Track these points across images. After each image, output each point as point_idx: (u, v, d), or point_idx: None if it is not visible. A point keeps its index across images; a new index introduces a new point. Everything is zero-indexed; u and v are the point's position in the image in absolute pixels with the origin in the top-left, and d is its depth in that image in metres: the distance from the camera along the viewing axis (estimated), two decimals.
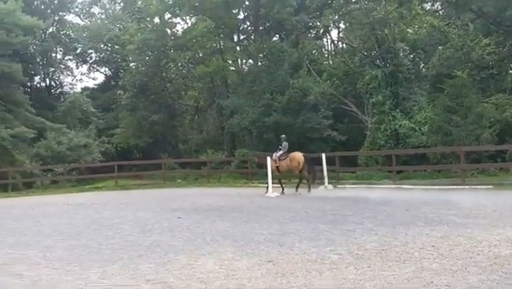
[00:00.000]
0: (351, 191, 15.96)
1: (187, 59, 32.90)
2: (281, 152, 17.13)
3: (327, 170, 18.03)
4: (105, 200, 17.07)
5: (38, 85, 37.66)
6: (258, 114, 25.87)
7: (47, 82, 38.52)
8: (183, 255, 6.99)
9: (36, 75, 36.90)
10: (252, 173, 23.41)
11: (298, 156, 16.71)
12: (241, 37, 31.90)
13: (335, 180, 19.28)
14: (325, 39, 33.71)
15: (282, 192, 16.12)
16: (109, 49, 38.32)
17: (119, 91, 34.72)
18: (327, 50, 33.64)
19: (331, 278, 5.34)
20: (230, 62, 31.89)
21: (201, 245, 7.68)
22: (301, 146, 25.01)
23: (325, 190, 16.85)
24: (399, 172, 19.94)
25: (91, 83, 42.65)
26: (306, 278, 5.39)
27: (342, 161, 21.68)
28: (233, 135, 30.34)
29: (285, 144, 17.20)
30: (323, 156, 18.03)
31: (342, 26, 30.89)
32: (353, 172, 21.91)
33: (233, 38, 31.22)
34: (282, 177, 17.31)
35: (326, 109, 26.29)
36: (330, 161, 19.18)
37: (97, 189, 23.80)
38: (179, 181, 25.46)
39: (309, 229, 8.50)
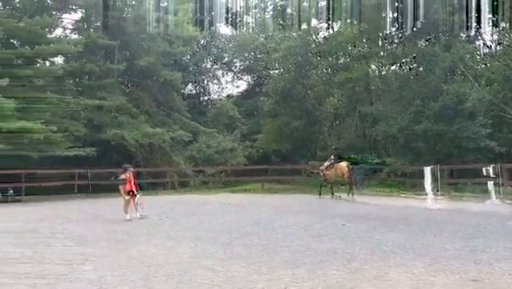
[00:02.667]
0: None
1: (329, 66, 32.49)
2: (327, 162, 19.20)
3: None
4: (257, 202, 17.45)
5: (190, 92, 40.17)
6: (408, 121, 24.47)
7: (198, 89, 41.11)
8: (368, 266, 6.65)
9: (189, 83, 39.39)
10: (399, 182, 22.29)
11: (343, 166, 18.68)
12: (386, 41, 30.53)
13: (499, 193, 17.43)
14: (477, 42, 30.68)
15: (332, 196, 18.76)
16: (253, 57, 39.48)
17: (262, 98, 35.42)
18: (480, 54, 30.55)
19: None
20: (374, 67, 30.75)
21: (384, 256, 7.27)
22: (451, 156, 22.94)
23: (491, 205, 15.62)
24: None
25: (234, 91, 43.32)
26: None
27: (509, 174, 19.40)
28: (376, 143, 29.13)
29: (333, 156, 19.14)
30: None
31: (503, 24, 27.76)
32: None
33: (379, 43, 30.05)
34: (331, 183, 19.57)
35: (484, 117, 23.87)
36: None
37: (245, 191, 24.68)
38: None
39: (500, 248, 7.58)
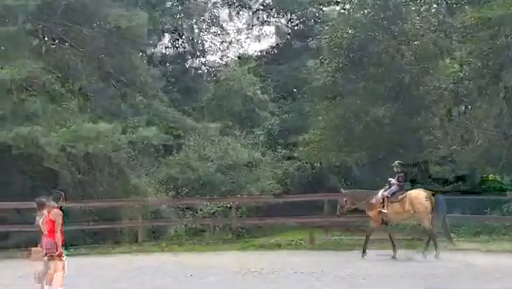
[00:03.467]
0: None
1: None
2: (385, 192, 21.09)
3: None
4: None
5: (167, 52, 43.29)
6: None
7: (182, 46, 43.66)
8: None
9: (164, 34, 41.77)
10: None
11: (420, 197, 20.77)
12: None
13: None
14: None
15: (363, 253, 21.09)
16: None
17: (308, 63, 37.75)
18: None
19: None
20: None
21: None
22: None
23: None
24: None
25: (253, 48, 45.89)
26: None
27: None
28: None
29: (400, 175, 21.41)
30: None
31: None
32: None
33: None
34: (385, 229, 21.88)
35: None
36: None
37: (278, 247, 25.41)
38: None
39: None
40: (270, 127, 37.14)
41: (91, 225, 26.58)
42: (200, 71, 43.19)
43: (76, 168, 28.57)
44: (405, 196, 20.69)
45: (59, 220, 13.97)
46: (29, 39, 28.94)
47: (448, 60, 32.95)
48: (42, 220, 14.11)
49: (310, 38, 35.67)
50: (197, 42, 42.71)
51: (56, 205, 14.14)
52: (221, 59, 43.57)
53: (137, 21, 29.96)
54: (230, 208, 29.22)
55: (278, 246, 25.15)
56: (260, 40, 44.59)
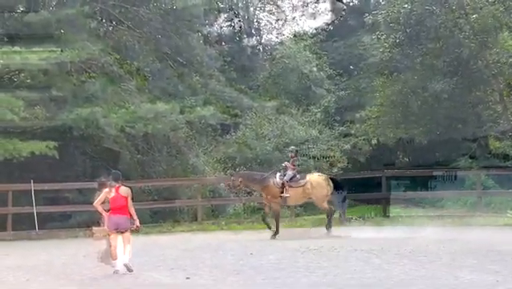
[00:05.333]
0: None
1: None
2: (289, 172, 21.54)
3: None
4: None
5: (223, 31, 43.21)
6: None
7: (237, 25, 43.44)
8: None
9: (220, 14, 41.01)
10: None
11: (320, 181, 21.87)
12: None
13: None
14: None
15: (275, 234, 21.33)
16: None
17: (365, 39, 37.34)
18: None
19: None
20: None
21: None
22: None
23: None
24: None
25: (309, 26, 44.90)
26: None
27: None
28: None
29: (294, 159, 22.06)
30: None
31: None
32: None
33: None
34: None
35: None
36: None
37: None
38: None
39: None
40: (326, 104, 36.64)
41: (151, 204, 26.73)
42: (256, 50, 42.97)
43: (135, 148, 28.99)
44: (307, 181, 21.62)
45: (131, 196, 14.61)
46: (87, 22, 28.85)
47: (507, 34, 32.26)
48: (111, 197, 14.37)
49: (366, 14, 35.00)
50: (253, 20, 42.67)
51: (117, 185, 14.49)
52: (276, 37, 43.39)
53: (193, 1, 30.15)
54: None
55: (337, 223, 24.47)
56: (315, 17, 44.32)
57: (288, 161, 22.10)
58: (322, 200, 21.79)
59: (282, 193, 21.37)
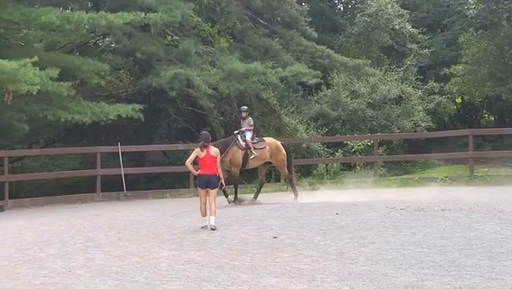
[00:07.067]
0: None
1: None
2: (249, 134, 20.65)
3: None
4: None
5: None
6: None
7: None
8: None
9: None
10: None
11: (280, 144, 21.33)
12: None
13: None
14: None
15: (234, 200, 20.42)
16: None
17: None
18: None
19: None
20: None
21: None
22: None
23: None
24: None
25: None
26: None
27: None
28: None
29: (250, 119, 21.15)
30: None
31: None
32: None
33: None
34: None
35: None
36: None
37: (438, 182, 25.14)
38: None
39: None
40: (419, 59, 36.50)
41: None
42: (340, 6, 42.54)
43: (220, 109, 29.43)
44: (266, 144, 20.74)
45: (219, 156, 15.71)
46: None
47: None
48: (202, 157, 15.14)
49: None
50: None
51: (208, 145, 15.33)
52: None
53: None
54: (382, 144, 29.69)
55: (423, 183, 24.88)
56: None
57: (240, 122, 21.40)
58: (283, 164, 21.10)
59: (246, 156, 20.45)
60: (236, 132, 21.02)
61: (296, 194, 20.95)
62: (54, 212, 21.16)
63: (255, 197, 20.76)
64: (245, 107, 21.99)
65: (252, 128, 20.95)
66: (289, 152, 21.68)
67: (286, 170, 21.22)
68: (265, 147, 20.72)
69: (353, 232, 13.84)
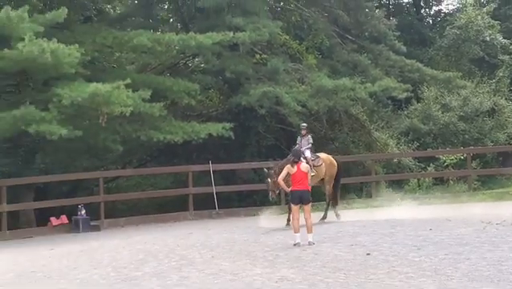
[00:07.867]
0: None
1: None
2: (308, 151, 19.78)
3: None
4: None
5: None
6: None
7: None
8: None
9: None
10: None
11: (332, 158, 21.04)
12: None
13: None
14: None
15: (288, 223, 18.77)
16: None
17: None
18: None
19: None
20: None
21: None
22: None
23: None
24: None
25: None
26: None
27: None
28: None
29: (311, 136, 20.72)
30: None
31: None
32: None
33: None
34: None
35: None
36: None
37: None
38: None
39: None
40: (510, 70, 35.38)
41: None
42: (430, 19, 42.08)
43: (319, 123, 29.30)
44: (322, 161, 20.18)
45: (310, 172, 16.39)
46: (265, 0, 29.50)
47: None
48: (293, 173, 15.47)
49: None
50: None
51: (299, 161, 15.78)
52: (455, 5, 41.88)
53: None
54: (475, 158, 29.12)
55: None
56: None
57: (299, 138, 20.50)
58: (331, 180, 20.49)
59: None
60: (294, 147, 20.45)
61: (325, 216, 20.28)
62: (148, 231, 21.59)
63: (324, 217, 20.23)
64: (305, 124, 21.25)
65: (310, 146, 20.30)
66: (340, 169, 21.03)
67: (331, 187, 20.55)
68: (321, 164, 20.24)
69: (448, 248, 13.65)
